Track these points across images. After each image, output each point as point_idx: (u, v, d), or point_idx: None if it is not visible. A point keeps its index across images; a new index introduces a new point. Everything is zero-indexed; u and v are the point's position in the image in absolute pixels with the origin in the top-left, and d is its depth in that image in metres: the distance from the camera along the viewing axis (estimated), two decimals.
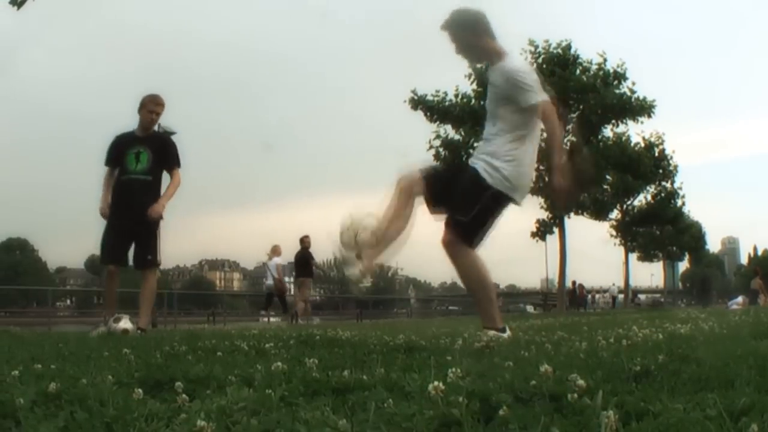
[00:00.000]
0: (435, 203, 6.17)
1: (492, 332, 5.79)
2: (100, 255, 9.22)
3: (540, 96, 5.96)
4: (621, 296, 62.56)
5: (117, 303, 9.21)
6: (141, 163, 8.96)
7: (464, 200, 5.99)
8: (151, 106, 9.07)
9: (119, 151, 9.08)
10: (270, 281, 25.02)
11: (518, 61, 6.41)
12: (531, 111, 5.95)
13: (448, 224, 6.03)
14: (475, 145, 33.76)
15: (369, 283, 6.18)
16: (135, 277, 9.65)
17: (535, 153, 6.17)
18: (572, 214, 41.71)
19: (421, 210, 6.18)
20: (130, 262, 9.22)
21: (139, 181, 8.96)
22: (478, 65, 6.67)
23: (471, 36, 6.16)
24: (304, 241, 23.49)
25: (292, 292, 28.16)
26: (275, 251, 24.85)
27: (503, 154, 5.97)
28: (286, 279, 28.20)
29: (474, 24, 6.18)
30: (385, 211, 6.05)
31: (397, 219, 6.06)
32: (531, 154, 6.12)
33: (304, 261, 23.43)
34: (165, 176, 9.22)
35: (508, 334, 5.93)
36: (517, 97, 5.92)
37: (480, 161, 6.04)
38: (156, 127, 9.80)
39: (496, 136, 6.06)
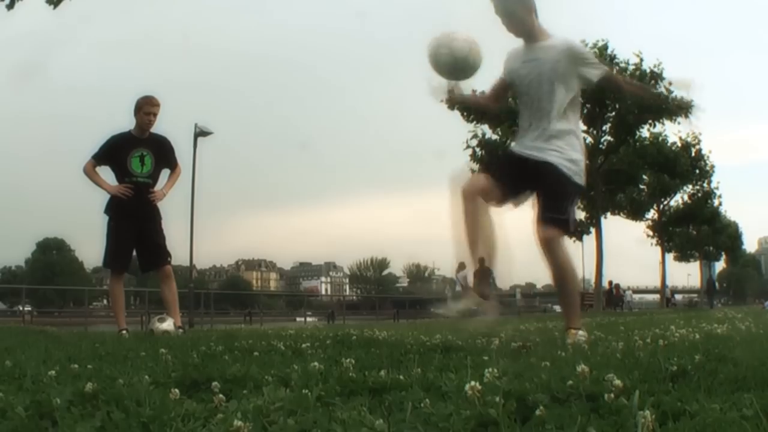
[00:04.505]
0: (509, 195, 6.00)
1: (581, 332, 5.72)
2: (107, 260, 9.23)
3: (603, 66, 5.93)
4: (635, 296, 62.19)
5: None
6: (146, 166, 9.05)
7: (558, 199, 5.83)
8: (147, 108, 9.09)
9: (118, 151, 9.11)
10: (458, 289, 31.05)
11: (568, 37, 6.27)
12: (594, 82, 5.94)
13: (542, 221, 5.84)
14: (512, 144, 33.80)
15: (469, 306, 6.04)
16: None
17: None
18: (609, 214, 41.59)
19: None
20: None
21: (144, 184, 9.06)
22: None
23: (526, 12, 5.98)
24: None
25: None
26: (461, 267, 29.26)
27: (572, 143, 5.87)
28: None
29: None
30: (465, 234, 5.82)
31: (483, 235, 5.89)
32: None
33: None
34: (161, 176, 9.36)
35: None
36: (583, 71, 5.86)
37: (553, 154, 5.84)
38: (193, 128, 9.88)
39: (554, 120, 5.87)
